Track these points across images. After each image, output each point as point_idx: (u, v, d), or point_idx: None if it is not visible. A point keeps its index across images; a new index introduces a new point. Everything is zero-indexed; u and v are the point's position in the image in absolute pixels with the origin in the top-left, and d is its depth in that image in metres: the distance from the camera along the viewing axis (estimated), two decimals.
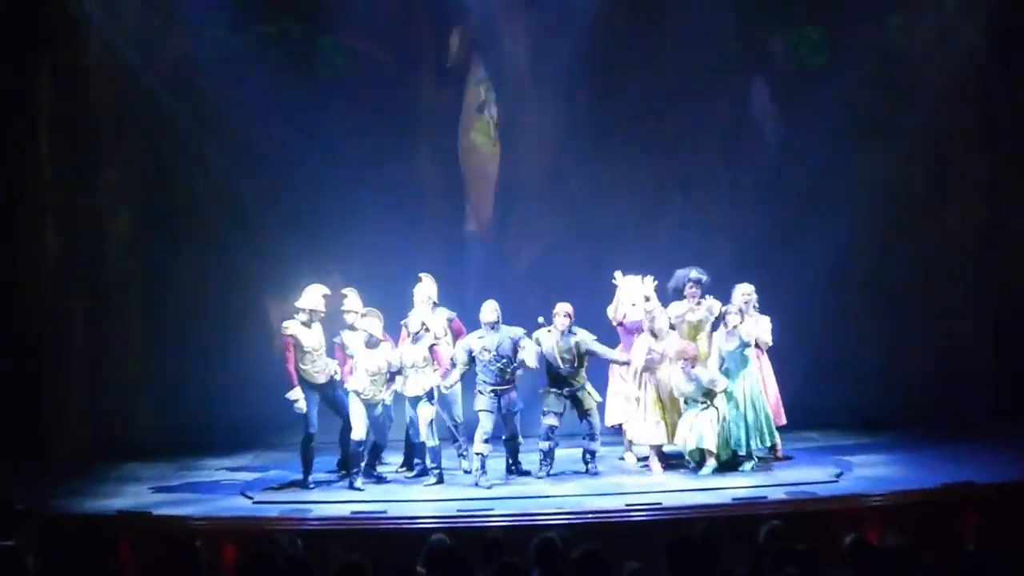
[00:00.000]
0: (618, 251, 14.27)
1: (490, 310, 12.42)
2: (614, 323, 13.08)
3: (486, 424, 12.21)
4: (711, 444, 12.20)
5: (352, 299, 12.65)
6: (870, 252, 15.05)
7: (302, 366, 12.39)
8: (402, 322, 12.59)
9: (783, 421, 12.83)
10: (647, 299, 12.85)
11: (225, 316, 15.16)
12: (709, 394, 12.26)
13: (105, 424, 14.56)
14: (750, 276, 13.07)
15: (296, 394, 12.40)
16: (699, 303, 12.86)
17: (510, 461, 12.54)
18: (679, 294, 12.99)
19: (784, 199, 15.10)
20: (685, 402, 12.39)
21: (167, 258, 15.03)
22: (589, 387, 12.49)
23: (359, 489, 12.07)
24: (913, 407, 14.51)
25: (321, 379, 12.45)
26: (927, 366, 14.87)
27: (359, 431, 12.20)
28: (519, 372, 12.41)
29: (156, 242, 15.05)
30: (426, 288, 12.86)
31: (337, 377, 12.49)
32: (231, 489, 12.40)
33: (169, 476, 13.12)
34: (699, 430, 12.21)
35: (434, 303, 12.88)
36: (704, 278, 12.92)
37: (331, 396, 12.54)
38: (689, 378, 12.27)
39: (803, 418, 13.60)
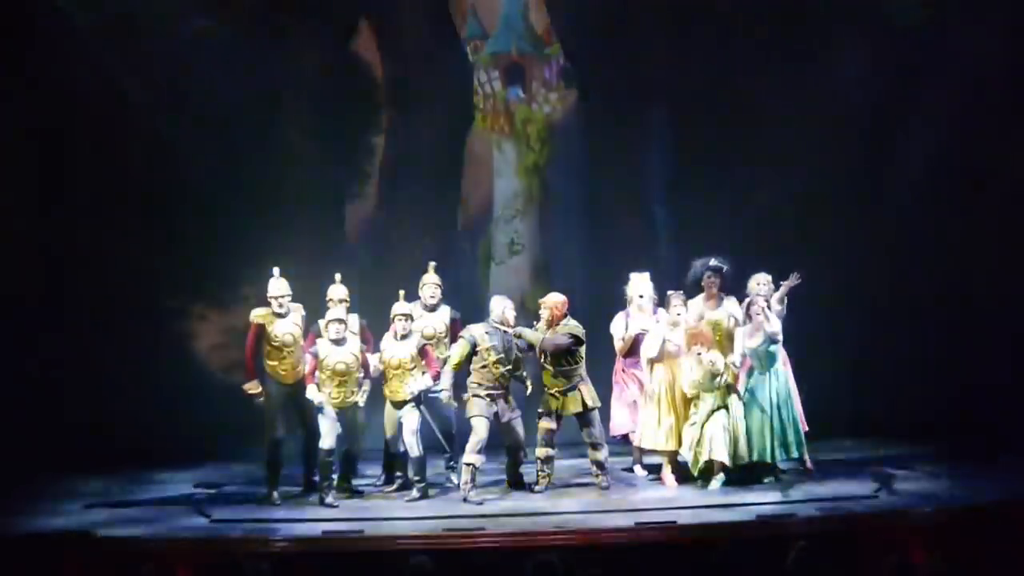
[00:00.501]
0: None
1: (511, 308, 12.18)
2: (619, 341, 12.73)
3: (482, 431, 11.83)
4: (722, 454, 11.73)
5: (338, 286, 12.32)
6: (922, 243, 14.85)
7: (269, 362, 12.11)
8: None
9: (805, 427, 12.37)
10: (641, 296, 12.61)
11: (181, 313, 15.01)
12: (724, 387, 11.81)
13: (45, 433, 14.07)
14: (782, 269, 12.64)
15: (254, 387, 12.08)
16: (720, 296, 12.54)
17: (511, 473, 12.23)
18: (697, 286, 12.65)
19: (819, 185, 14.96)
20: (694, 405, 11.95)
21: (113, 245, 14.75)
22: (584, 388, 12.03)
23: (332, 505, 11.71)
24: (962, 413, 14.03)
25: (290, 379, 12.11)
26: (978, 368, 14.44)
27: (328, 439, 11.82)
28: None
29: (100, 228, 14.77)
30: (430, 280, 12.63)
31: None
32: (187, 506, 12.10)
33: (117, 492, 12.86)
34: (711, 438, 11.75)
35: (440, 300, 12.67)
36: (724, 267, 12.57)
37: (300, 399, 12.05)
38: (701, 363, 11.81)
39: (837, 424, 13.45)
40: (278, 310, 12.06)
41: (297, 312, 12.23)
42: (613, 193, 15.87)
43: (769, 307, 12.08)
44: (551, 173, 16.65)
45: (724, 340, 12.28)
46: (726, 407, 11.83)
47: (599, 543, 10.27)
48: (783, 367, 12.27)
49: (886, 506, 11.14)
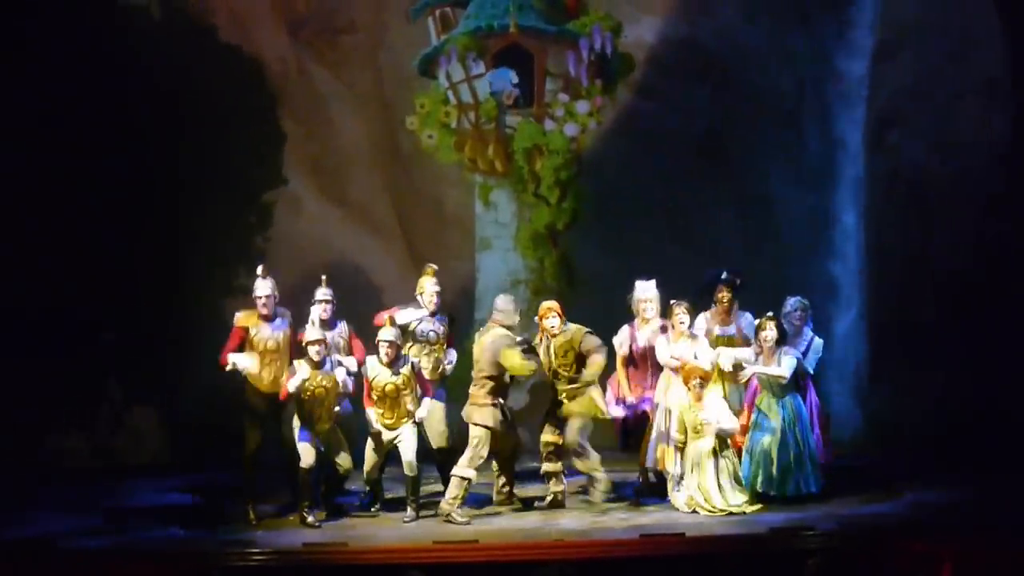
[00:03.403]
0: None
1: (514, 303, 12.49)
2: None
3: (486, 446, 12.28)
4: (741, 499, 12.15)
5: (323, 288, 12.73)
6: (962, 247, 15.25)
7: (251, 372, 12.42)
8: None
9: (825, 458, 12.64)
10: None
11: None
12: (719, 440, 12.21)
13: (7, 439, 14.34)
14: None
15: (235, 357, 12.35)
16: (732, 311, 12.93)
17: (506, 485, 12.73)
18: (708, 298, 12.99)
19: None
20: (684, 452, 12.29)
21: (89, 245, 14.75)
22: (595, 393, 12.49)
23: (313, 525, 12.17)
24: (999, 420, 14.31)
25: (272, 389, 12.44)
26: (1014, 372, 14.62)
27: (308, 457, 12.26)
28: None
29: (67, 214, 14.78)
30: (430, 288, 12.86)
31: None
32: (158, 516, 12.47)
33: (84, 499, 13.15)
34: (727, 491, 12.16)
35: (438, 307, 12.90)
36: (738, 280, 12.91)
37: (281, 415, 12.48)
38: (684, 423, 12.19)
39: (860, 431, 13.84)
40: (263, 311, 12.39)
41: (284, 317, 12.54)
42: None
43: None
44: (579, 241, 14.85)
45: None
46: (724, 456, 12.25)
47: (601, 556, 10.71)
48: (799, 390, 12.60)
49: (912, 520, 11.47)
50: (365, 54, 15.65)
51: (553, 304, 12.60)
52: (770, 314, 12.49)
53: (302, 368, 12.20)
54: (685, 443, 12.26)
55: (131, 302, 14.70)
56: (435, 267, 12.94)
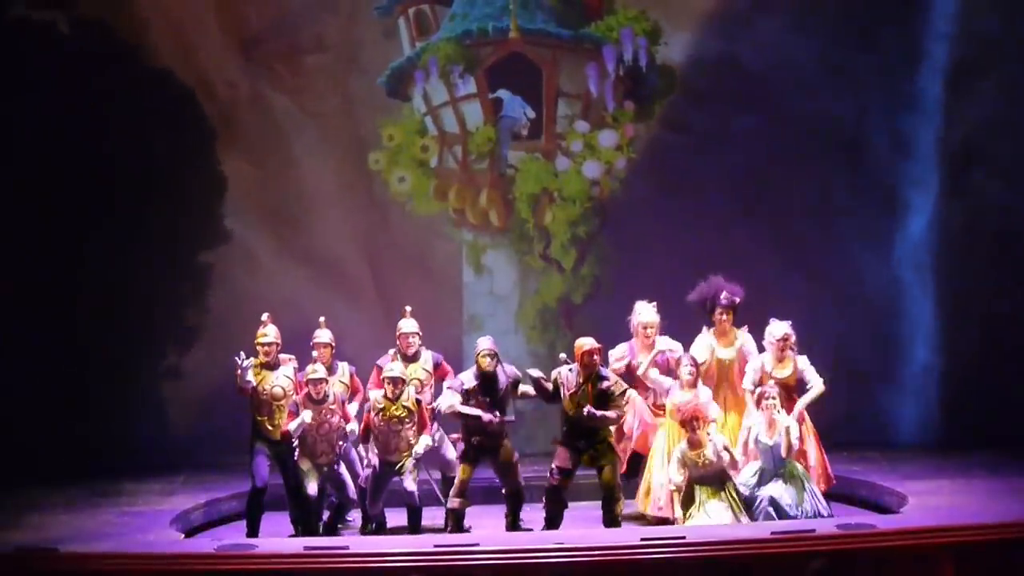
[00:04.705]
0: None
1: (492, 345, 12.29)
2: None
3: (464, 474, 12.57)
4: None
5: (323, 330, 12.90)
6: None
7: (257, 416, 12.59)
8: (380, 362, 12.74)
9: (830, 483, 12.66)
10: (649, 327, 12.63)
11: (146, 314, 14.71)
12: (720, 479, 12.39)
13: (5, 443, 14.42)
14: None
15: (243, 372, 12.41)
16: (731, 330, 12.86)
17: (510, 519, 12.87)
18: (705, 314, 12.92)
19: None
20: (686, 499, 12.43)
21: (75, 242, 14.71)
22: (612, 440, 12.61)
23: None
24: (999, 423, 14.44)
25: (278, 436, 12.62)
26: (1012, 374, 14.72)
27: (311, 485, 12.58)
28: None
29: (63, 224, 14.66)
30: (409, 329, 12.70)
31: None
32: (157, 519, 12.76)
33: (80, 503, 13.44)
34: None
35: (419, 347, 12.77)
36: (738, 299, 12.74)
37: (286, 458, 12.66)
38: (685, 463, 12.28)
39: (862, 434, 13.85)
40: (265, 358, 12.51)
41: (289, 364, 12.68)
42: None
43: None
44: (601, 318, 14.00)
45: (734, 378, 12.89)
46: (727, 490, 12.41)
47: (601, 559, 10.91)
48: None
49: (912, 522, 11.63)
50: (333, 77, 14.04)
51: (598, 346, 12.16)
52: (772, 382, 12.50)
53: (304, 412, 12.48)
54: (691, 486, 12.43)
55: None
56: (409, 308, 12.57)
